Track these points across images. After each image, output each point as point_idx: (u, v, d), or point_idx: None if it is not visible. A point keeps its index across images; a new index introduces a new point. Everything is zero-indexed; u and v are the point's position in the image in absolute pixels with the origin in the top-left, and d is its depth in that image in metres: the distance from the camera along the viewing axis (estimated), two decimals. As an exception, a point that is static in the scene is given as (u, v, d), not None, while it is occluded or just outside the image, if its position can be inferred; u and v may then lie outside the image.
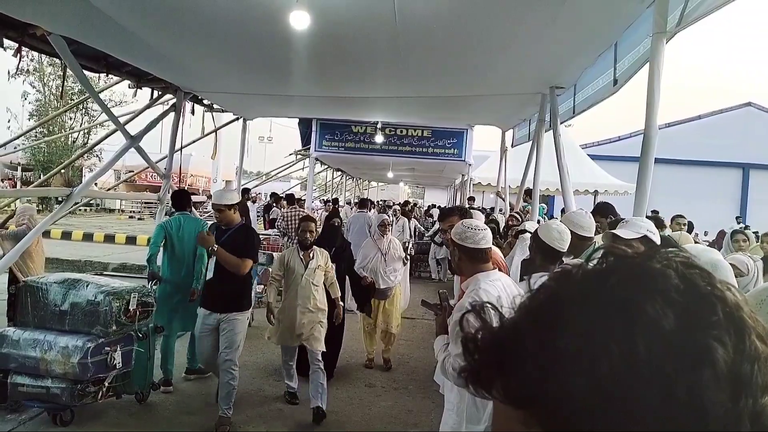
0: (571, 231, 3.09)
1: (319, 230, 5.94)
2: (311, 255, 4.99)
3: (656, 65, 3.09)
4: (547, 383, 0.47)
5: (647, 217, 3.61)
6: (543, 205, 11.30)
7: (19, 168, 30.29)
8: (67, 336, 4.32)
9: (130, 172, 20.93)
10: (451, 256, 2.75)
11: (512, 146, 9.80)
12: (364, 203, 13.65)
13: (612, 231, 2.84)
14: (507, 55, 5.06)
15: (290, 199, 10.98)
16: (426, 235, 14.21)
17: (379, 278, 6.20)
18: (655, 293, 0.46)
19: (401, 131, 13.71)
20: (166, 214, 8.90)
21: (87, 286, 4.45)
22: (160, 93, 7.17)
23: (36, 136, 21.26)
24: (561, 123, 5.71)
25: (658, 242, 2.69)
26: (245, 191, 9.72)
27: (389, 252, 6.39)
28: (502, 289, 2.50)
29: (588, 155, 17.20)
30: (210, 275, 4.56)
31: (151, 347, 4.94)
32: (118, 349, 4.48)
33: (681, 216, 7.22)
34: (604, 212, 4.41)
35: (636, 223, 2.78)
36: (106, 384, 4.54)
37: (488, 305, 0.58)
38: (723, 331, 0.45)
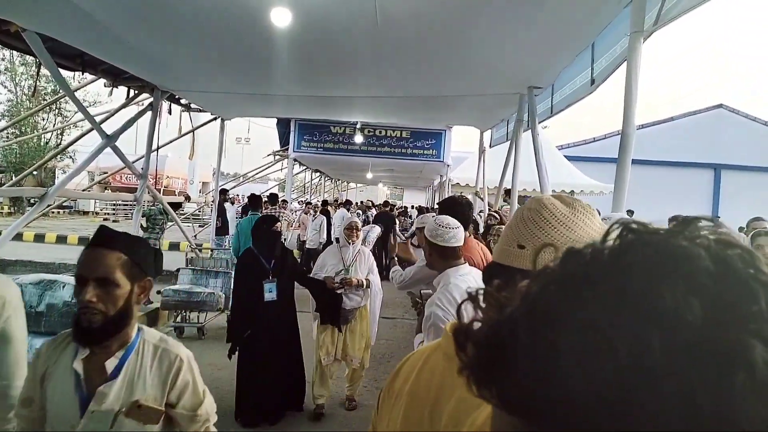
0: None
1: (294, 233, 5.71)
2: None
3: (633, 64, 3.15)
4: (541, 387, 0.39)
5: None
6: (519, 206, 11.43)
7: (-10, 169, 29.64)
8: (44, 338, 4.22)
9: (104, 173, 20.62)
10: (424, 252, 2.78)
11: (490, 147, 9.87)
12: (325, 203, 13.76)
13: None
14: (485, 55, 5.10)
15: (272, 199, 10.91)
16: (404, 237, 14.24)
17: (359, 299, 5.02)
18: (678, 278, 0.38)
19: (380, 132, 13.75)
20: (143, 216, 8.83)
21: (63, 287, 4.38)
22: (136, 92, 7.08)
23: (7, 137, 20.83)
24: (539, 123, 5.76)
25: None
26: (223, 192, 9.62)
27: (354, 264, 5.01)
28: (473, 282, 2.51)
29: (564, 156, 17.43)
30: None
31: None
32: (97, 351, 4.40)
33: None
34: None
35: (615, 219, 2.82)
36: (84, 386, 4.45)
37: (486, 291, 0.50)
38: (765, 324, 0.36)
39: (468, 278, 2.52)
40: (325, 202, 16.29)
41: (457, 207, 3.64)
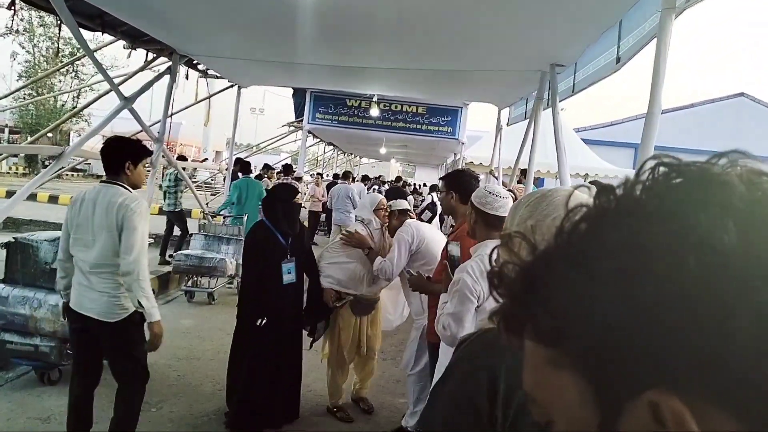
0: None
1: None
2: None
3: (663, 42, 3.07)
4: (577, 313, 0.40)
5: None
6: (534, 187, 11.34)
7: (6, 130, 29.84)
8: (57, 294, 4.29)
9: (119, 138, 20.67)
10: (468, 218, 2.71)
11: (507, 125, 9.76)
12: (346, 174, 13.67)
13: None
14: (508, 29, 5.01)
15: (287, 169, 10.91)
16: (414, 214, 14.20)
17: (363, 285, 4.23)
18: (713, 202, 0.39)
19: (396, 106, 13.64)
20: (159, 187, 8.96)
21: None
22: (154, 56, 7.04)
23: (24, 97, 20.90)
24: (560, 101, 5.67)
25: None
26: (238, 161, 9.64)
27: (383, 250, 4.27)
28: None
29: (581, 139, 17.23)
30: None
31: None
32: (109, 309, 4.45)
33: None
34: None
35: None
36: (96, 344, 4.52)
37: (518, 234, 0.51)
38: None
39: None
40: (336, 176, 16.26)
41: (463, 178, 3.56)
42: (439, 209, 8.13)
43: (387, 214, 4.30)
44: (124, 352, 3.30)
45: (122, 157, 3.23)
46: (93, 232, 3.12)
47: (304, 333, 4.34)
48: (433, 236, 4.06)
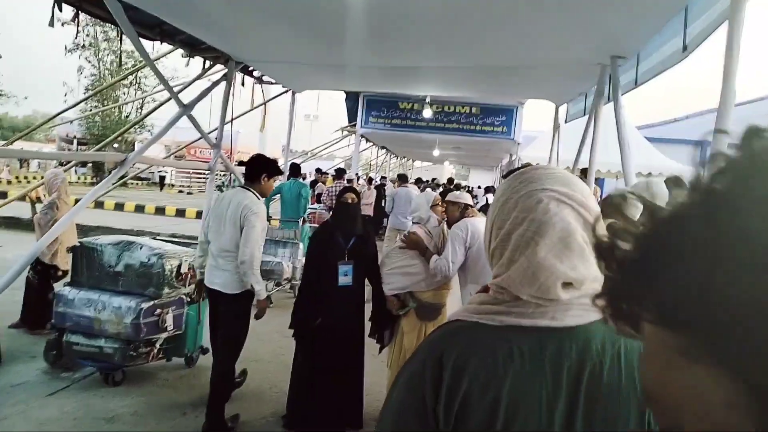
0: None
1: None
2: None
3: (736, 25, 2.85)
4: (719, 286, 0.34)
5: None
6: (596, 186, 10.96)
7: (75, 141, 31.34)
8: (121, 297, 4.41)
9: (180, 146, 21.39)
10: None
11: (566, 122, 9.46)
12: (403, 177, 13.55)
13: None
14: (565, 21, 4.82)
15: (339, 173, 10.95)
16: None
17: (426, 283, 4.10)
18: None
19: (449, 108, 13.51)
20: (217, 188, 9.16)
21: (141, 248, 4.52)
22: (211, 63, 7.19)
23: (90, 110, 21.88)
24: (622, 95, 5.42)
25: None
26: (294, 166, 9.75)
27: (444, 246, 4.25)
28: None
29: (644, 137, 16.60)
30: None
31: (202, 311, 5.00)
32: (170, 311, 4.55)
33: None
34: None
35: None
36: (157, 346, 4.63)
37: (633, 195, 0.44)
38: None
39: None
40: (384, 178, 16.10)
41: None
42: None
43: (444, 209, 4.18)
44: (231, 317, 4.04)
45: (260, 170, 4.20)
46: (224, 224, 3.99)
47: (369, 339, 4.29)
48: None
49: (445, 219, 4.25)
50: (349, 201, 4.10)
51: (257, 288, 3.98)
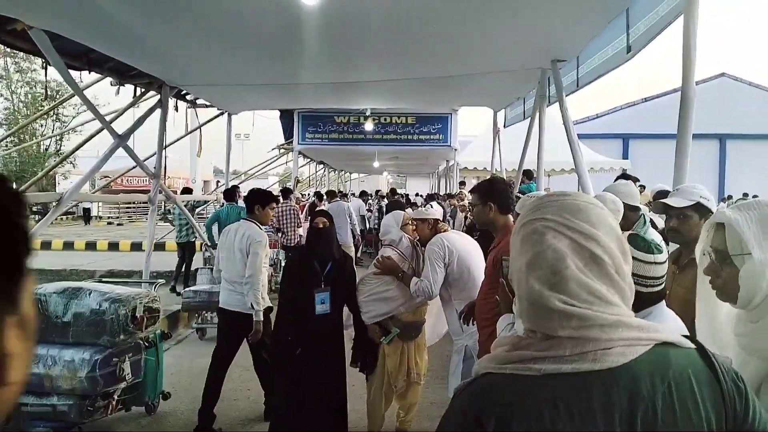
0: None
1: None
2: None
3: (691, 20, 2.93)
4: None
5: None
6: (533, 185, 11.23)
7: (-10, 179, 29.41)
8: (72, 349, 4.06)
9: (105, 177, 20.37)
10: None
11: (504, 127, 9.64)
12: (332, 193, 13.38)
13: (662, 201, 2.69)
14: (504, 28, 4.87)
15: (285, 192, 10.71)
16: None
17: (405, 307, 3.95)
18: None
19: (385, 119, 13.54)
20: (162, 216, 8.76)
21: (90, 294, 4.19)
22: (143, 90, 6.87)
23: (6, 145, 20.59)
24: (566, 96, 5.52)
25: (713, 209, 2.54)
26: (235, 188, 9.44)
27: (419, 266, 4.07)
28: None
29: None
30: None
31: (160, 355, 4.71)
32: (127, 359, 4.24)
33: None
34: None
35: (688, 190, 2.63)
36: (116, 397, 4.30)
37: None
38: None
39: None
40: (319, 195, 15.36)
41: (498, 186, 3.34)
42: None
43: (415, 227, 4.10)
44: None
45: (253, 202, 4.71)
46: (233, 253, 4.55)
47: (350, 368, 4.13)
48: (466, 247, 3.80)
49: (417, 238, 4.14)
50: (321, 225, 3.92)
51: (256, 309, 4.39)
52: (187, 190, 11.34)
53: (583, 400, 0.88)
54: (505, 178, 9.22)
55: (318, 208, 6.40)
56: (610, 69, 4.90)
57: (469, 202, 5.82)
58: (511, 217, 3.19)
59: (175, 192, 9.02)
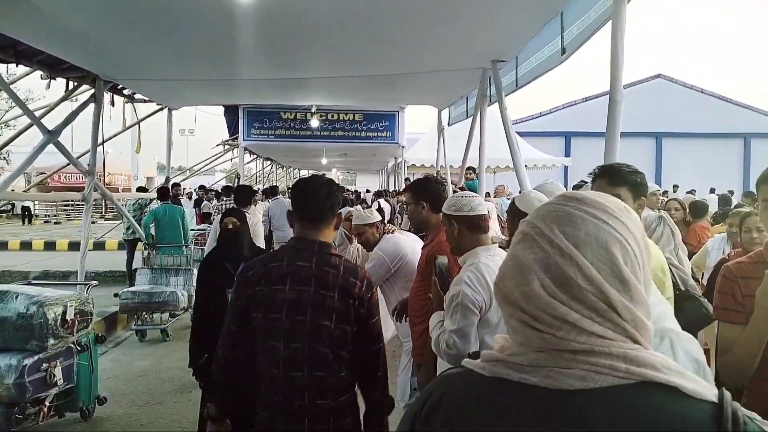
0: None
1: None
2: None
3: (619, 27, 3.05)
4: None
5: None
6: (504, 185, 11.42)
7: None
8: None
9: (41, 173, 19.51)
10: (448, 235, 2.53)
11: (449, 125, 9.76)
12: (274, 190, 13.17)
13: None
14: (445, 29, 4.95)
15: (227, 192, 10.52)
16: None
17: None
18: None
19: (333, 116, 13.47)
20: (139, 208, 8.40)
21: (16, 297, 4.01)
22: (76, 84, 6.61)
23: (-70, 140, 19.41)
24: (505, 96, 5.64)
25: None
26: (176, 186, 9.21)
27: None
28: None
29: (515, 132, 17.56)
30: None
31: (95, 358, 4.55)
32: (58, 364, 4.07)
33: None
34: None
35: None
36: (47, 403, 4.13)
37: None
38: None
39: (497, 259, 2.32)
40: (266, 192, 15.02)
41: (431, 186, 3.29)
42: (387, 216, 8.01)
43: (356, 234, 4.06)
44: None
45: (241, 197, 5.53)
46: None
47: None
48: (414, 249, 3.67)
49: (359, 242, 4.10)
50: (230, 226, 3.70)
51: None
52: (141, 189, 11.03)
53: (512, 411, 0.78)
54: (449, 175, 9.35)
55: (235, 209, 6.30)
56: (546, 70, 5.04)
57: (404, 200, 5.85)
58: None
59: (116, 190, 8.74)
